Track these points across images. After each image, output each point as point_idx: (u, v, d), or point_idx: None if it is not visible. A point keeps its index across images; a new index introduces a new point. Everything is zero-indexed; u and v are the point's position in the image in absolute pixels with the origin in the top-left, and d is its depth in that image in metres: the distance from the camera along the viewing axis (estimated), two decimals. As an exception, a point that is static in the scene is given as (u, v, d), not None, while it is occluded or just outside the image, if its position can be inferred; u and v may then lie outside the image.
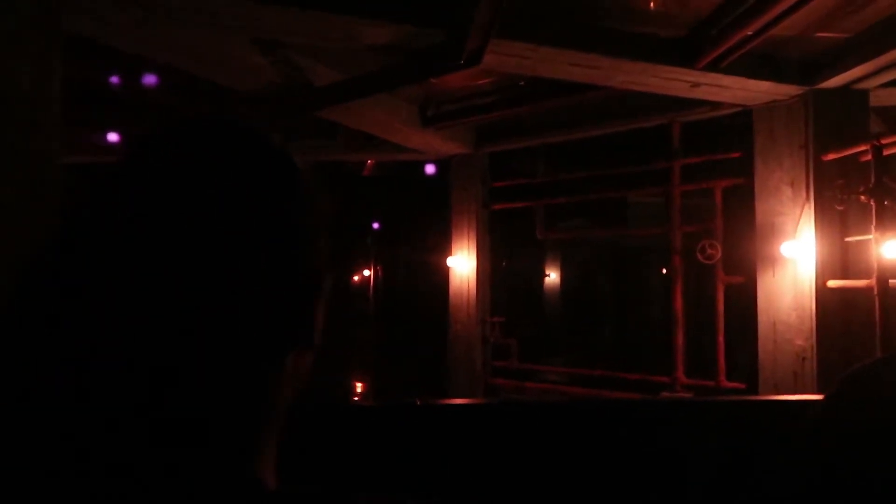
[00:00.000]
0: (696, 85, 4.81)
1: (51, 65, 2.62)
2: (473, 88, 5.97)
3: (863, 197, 4.39)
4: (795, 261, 4.99)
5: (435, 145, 7.08)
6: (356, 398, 9.84)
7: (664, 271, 10.36)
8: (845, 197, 4.64)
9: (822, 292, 4.86)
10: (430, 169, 7.72)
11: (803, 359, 5.01)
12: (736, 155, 5.68)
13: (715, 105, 5.50)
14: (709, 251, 5.67)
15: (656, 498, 2.42)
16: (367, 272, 10.70)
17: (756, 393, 5.25)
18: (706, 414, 2.69)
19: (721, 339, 5.76)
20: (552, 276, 10.81)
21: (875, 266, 4.36)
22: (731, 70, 4.64)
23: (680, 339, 6.07)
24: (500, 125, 6.91)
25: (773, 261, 5.16)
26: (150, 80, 5.82)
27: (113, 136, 5.82)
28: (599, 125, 6.39)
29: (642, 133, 6.17)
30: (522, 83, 5.54)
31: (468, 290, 7.57)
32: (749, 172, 5.46)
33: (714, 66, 4.51)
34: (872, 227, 4.35)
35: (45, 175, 2.51)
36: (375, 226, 10.98)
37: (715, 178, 5.88)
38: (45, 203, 2.44)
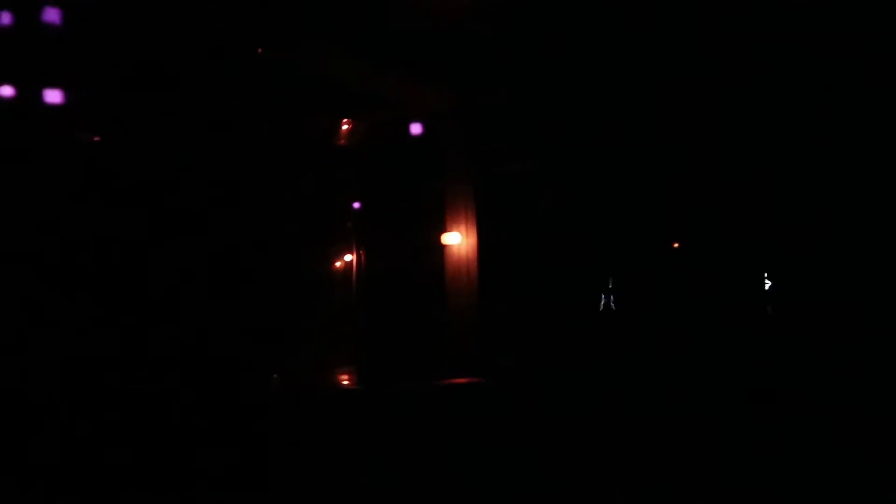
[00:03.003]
0: None
1: None
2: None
3: None
4: None
5: (417, 93, 5.80)
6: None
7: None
8: None
9: None
10: (415, 129, 6.43)
11: None
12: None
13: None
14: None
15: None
16: (348, 257, 9.45)
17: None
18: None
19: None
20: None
21: None
22: None
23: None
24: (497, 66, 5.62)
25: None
26: (51, 16, 4.51)
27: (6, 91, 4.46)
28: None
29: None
30: None
31: (468, 271, 6.33)
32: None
33: None
34: None
35: None
36: (356, 205, 9.72)
37: None
38: None
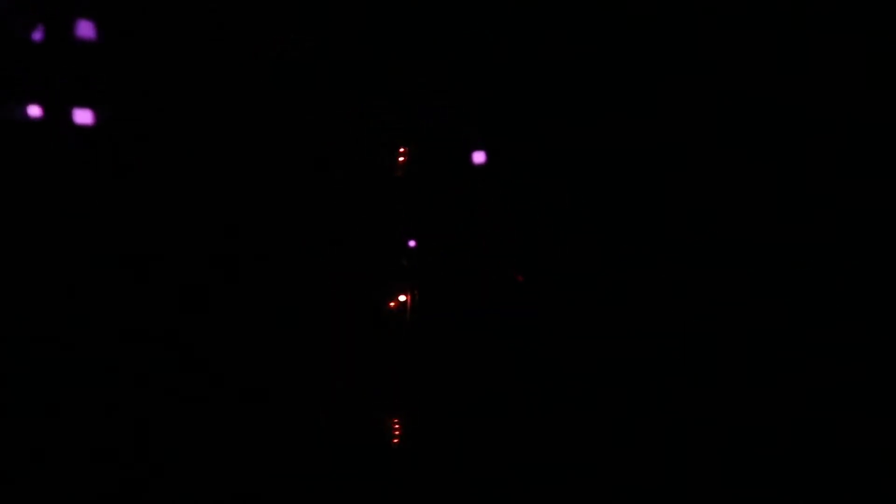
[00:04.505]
0: None
1: None
2: None
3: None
4: None
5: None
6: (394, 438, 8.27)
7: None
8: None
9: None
10: (478, 158, 5.98)
11: None
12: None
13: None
14: None
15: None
16: (402, 297, 9.06)
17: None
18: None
19: None
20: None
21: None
22: None
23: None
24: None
25: None
26: (86, 31, 4.16)
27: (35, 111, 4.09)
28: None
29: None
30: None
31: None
32: None
33: None
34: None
35: None
36: (412, 244, 9.34)
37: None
38: None
